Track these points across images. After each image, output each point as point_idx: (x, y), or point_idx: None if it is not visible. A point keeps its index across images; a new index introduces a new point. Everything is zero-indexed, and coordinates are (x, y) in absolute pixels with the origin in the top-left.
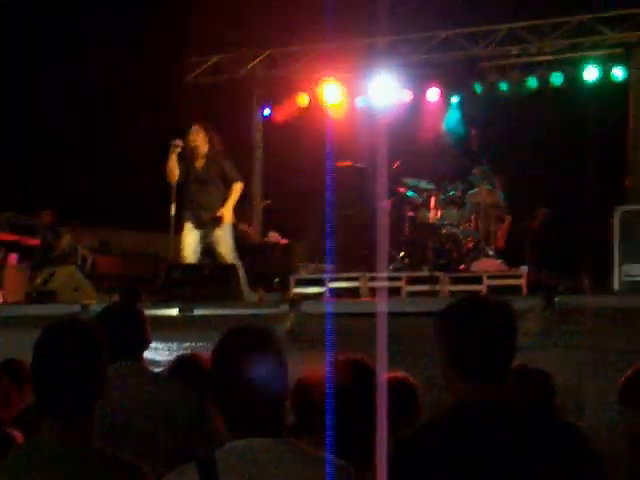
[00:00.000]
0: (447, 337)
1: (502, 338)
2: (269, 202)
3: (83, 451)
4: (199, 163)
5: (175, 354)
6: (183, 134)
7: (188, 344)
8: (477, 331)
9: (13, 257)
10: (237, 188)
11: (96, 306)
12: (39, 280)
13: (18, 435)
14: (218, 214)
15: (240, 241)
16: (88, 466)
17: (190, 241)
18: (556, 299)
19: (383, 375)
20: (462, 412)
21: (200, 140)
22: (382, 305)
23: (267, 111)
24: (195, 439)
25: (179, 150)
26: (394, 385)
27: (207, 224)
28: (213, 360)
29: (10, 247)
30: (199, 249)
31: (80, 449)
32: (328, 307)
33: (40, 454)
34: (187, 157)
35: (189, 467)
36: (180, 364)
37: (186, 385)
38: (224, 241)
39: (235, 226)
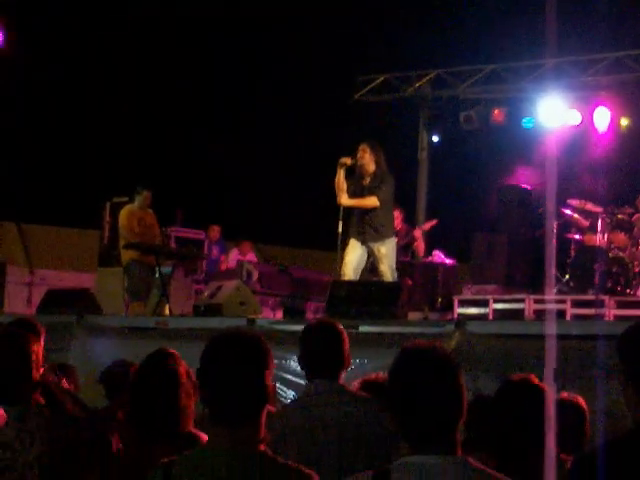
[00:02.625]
0: (629, 357)
1: None
2: (435, 222)
3: (252, 457)
4: (366, 181)
5: None
6: (351, 152)
7: (352, 360)
8: None
9: (180, 270)
10: (370, 200)
11: (261, 320)
12: (206, 293)
13: (203, 436)
14: (343, 201)
15: (406, 258)
16: (260, 473)
17: (352, 258)
18: None
19: (552, 396)
20: None
21: (367, 159)
22: (550, 327)
23: (435, 138)
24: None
25: (346, 167)
26: (564, 406)
27: (370, 241)
28: (390, 381)
29: (177, 260)
30: (360, 267)
31: (250, 455)
32: (494, 327)
33: (210, 461)
34: (355, 174)
35: (364, 475)
36: (366, 386)
37: (381, 407)
38: (386, 259)
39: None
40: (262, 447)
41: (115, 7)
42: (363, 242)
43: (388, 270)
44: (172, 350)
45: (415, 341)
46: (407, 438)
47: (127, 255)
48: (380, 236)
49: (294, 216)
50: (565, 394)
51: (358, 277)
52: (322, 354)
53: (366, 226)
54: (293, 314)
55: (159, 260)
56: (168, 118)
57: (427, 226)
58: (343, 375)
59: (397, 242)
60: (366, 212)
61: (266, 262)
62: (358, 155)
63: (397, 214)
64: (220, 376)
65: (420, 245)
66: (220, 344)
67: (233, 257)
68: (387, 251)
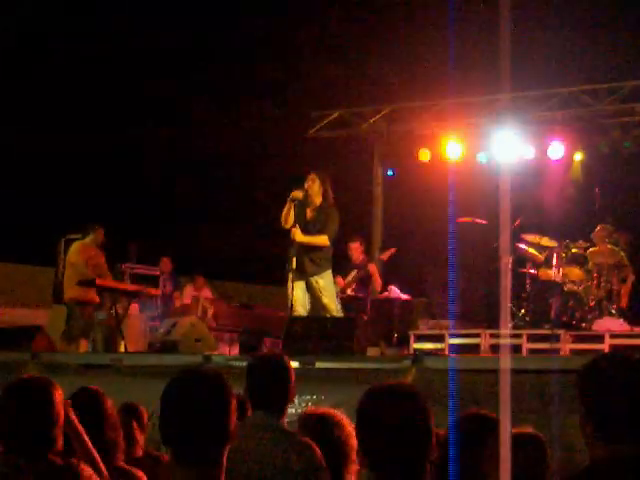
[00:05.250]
0: (588, 393)
1: None
2: (394, 250)
3: None
4: (310, 213)
5: (296, 406)
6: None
7: (309, 397)
8: (620, 388)
9: (134, 307)
10: (321, 238)
11: (217, 356)
12: (161, 330)
13: (141, 475)
14: (297, 237)
15: (360, 294)
16: None
17: (298, 294)
18: None
19: (508, 430)
20: (600, 471)
21: (315, 189)
22: (505, 361)
23: (390, 172)
24: None
25: (297, 199)
26: (523, 440)
27: (310, 275)
28: (359, 422)
29: (131, 297)
30: (307, 301)
31: None
32: (451, 363)
33: None
34: (301, 205)
35: None
36: (310, 420)
37: (314, 449)
38: (326, 291)
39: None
40: None
41: None
42: (301, 276)
43: (331, 302)
44: (94, 387)
45: (382, 382)
46: (379, 476)
47: (70, 293)
48: (318, 269)
49: (248, 251)
50: (521, 429)
51: (307, 312)
52: (265, 387)
53: (305, 260)
54: (249, 350)
55: (114, 298)
56: (123, 155)
57: (386, 255)
58: (287, 409)
59: (357, 273)
60: (309, 247)
61: (223, 299)
62: (306, 184)
63: (357, 245)
64: (184, 416)
65: (377, 280)
66: (182, 383)
67: (188, 293)
68: (325, 283)
